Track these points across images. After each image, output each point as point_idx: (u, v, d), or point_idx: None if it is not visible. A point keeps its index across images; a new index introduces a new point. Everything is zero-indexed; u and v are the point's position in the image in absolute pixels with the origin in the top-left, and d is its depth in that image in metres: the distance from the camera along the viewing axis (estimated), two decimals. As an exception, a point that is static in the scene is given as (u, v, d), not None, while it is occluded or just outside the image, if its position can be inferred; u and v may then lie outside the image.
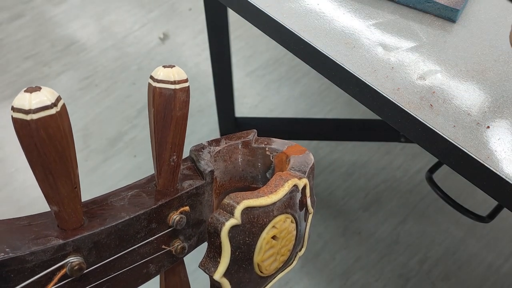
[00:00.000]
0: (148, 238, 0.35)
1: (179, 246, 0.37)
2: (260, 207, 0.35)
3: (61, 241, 0.30)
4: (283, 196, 0.36)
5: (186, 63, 1.74)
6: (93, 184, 1.44)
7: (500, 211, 0.94)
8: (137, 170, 1.48)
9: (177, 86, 0.31)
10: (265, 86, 1.68)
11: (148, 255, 0.35)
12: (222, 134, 1.48)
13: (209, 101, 1.60)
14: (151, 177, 0.37)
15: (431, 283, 1.27)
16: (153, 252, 0.35)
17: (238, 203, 0.34)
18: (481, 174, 0.52)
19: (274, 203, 0.36)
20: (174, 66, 0.32)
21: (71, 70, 1.73)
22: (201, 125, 1.58)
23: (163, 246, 0.36)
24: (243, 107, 1.62)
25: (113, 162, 1.50)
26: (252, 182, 0.44)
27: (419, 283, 1.27)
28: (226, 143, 0.42)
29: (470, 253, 1.32)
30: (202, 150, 0.40)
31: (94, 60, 1.75)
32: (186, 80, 0.32)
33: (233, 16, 1.11)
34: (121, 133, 1.57)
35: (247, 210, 0.34)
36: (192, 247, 0.39)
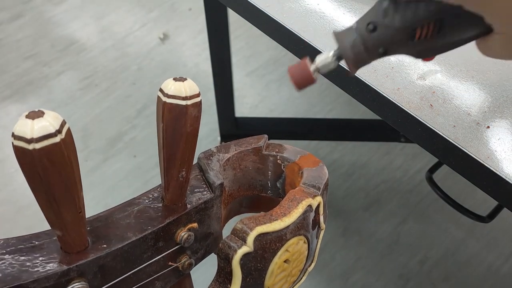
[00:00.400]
0: (155, 257, 0.33)
1: (186, 262, 0.35)
2: (273, 232, 0.34)
3: (65, 267, 0.29)
4: (297, 218, 0.35)
5: (186, 63, 1.74)
6: (93, 184, 1.44)
7: (500, 211, 0.94)
8: (137, 170, 1.48)
9: (189, 102, 0.29)
10: (265, 86, 1.68)
11: (155, 273, 0.34)
12: (222, 134, 1.48)
13: (209, 101, 1.60)
14: (158, 189, 0.35)
15: (431, 284, 1.27)
16: (159, 270, 0.34)
17: (251, 230, 0.33)
18: (481, 174, 0.52)
19: (288, 226, 0.34)
20: (185, 79, 0.30)
21: (71, 70, 1.73)
22: (201, 125, 1.57)
23: (170, 263, 0.35)
24: (243, 107, 1.62)
25: (113, 162, 1.50)
26: (261, 191, 0.42)
27: (420, 284, 1.27)
28: (235, 150, 0.40)
29: (470, 253, 1.32)
30: (211, 158, 0.38)
31: (94, 60, 1.75)
32: (198, 95, 0.30)
33: (233, 16, 1.11)
34: (121, 133, 1.57)
35: (260, 237, 0.33)
36: (198, 260, 0.37)
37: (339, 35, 0.32)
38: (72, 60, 1.76)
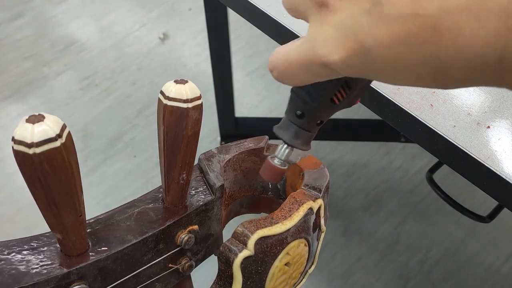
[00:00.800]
0: (155, 259, 0.33)
1: (186, 264, 0.35)
2: (274, 235, 0.34)
3: (65, 270, 0.28)
4: (298, 222, 0.35)
5: (186, 63, 1.74)
6: (93, 184, 1.44)
7: (500, 211, 0.94)
8: (137, 170, 1.48)
9: (190, 105, 0.29)
10: (265, 86, 1.68)
11: (155, 275, 0.34)
12: (222, 134, 1.48)
13: (209, 101, 1.60)
14: (158, 191, 0.35)
15: (432, 284, 1.27)
16: (159, 271, 0.34)
17: (252, 233, 0.33)
18: (481, 174, 0.52)
19: (288, 230, 0.34)
20: (187, 81, 0.29)
21: (71, 70, 1.73)
22: (201, 125, 1.57)
23: (170, 265, 0.35)
24: (243, 107, 1.62)
25: (113, 162, 1.50)
26: (261, 192, 0.42)
27: (420, 284, 1.27)
28: (236, 151, 0.40)
29: (470, 253, 1.32)
30: (212, 159, 0.38)
31: (94, 60, 1.75)
32: (199, 97, 0.30)
33: (233, 16, 1.10)
34: (121, 133, 1.57)
35: (260, 240, 0.33)
36: (199, 261, 0.37)
37: (279, 131, 0.36)
38: (72, 60, 1.76)
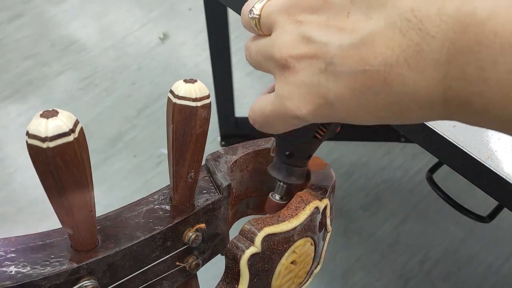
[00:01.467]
0: (163, 257, 0.34)
1: (193, 263, 0.36)
2: (280, 233, 0.34)
3: (75, 265, 0.29)
4: (304, 220, 0.36)
5: (186, 63, 1.74)
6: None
7: (500, 211, 0.94)
8: (137, 170, 1.48)
9: (199, 104, 0.30)
10: (265, 86, 1.68)
11: (162, 273, 0.34)
12: (222, 134, 1.48)
13: (209, 101, 1.60)
14: (167, 190, 0.36)
15: (432, 283, 1.27)
16: (167, 269, 0.35)
17: (259, 230, 0.33)
18: (481, 174, 0.52)
19: (295, 228, 0.35)
20: (196, 80, 0.30)
21: (71, 70, 1.73)
22: (201, 125, 1.57)
23: (177, 263, 0.35)
24: (243, 107, 1.62)
25: (113, 162, 1.50)
26: (268, 193, 0.43)
27: (420, 284, 1.27)
28: (243, 152, 0.41)
29: (470, 253, 1.32)
30: (219, 159, 0.39)
31: (94, 60, 1.75)
32: (208, 96, 0.30)
33: (233, 16, 1.11)
34: (121, 133, 1.57)
35: (267, 237, 0.33)
36: (205, 260, 0.38)
37: (274, 172, 0.39)
38: (72, 60, 1.76)
